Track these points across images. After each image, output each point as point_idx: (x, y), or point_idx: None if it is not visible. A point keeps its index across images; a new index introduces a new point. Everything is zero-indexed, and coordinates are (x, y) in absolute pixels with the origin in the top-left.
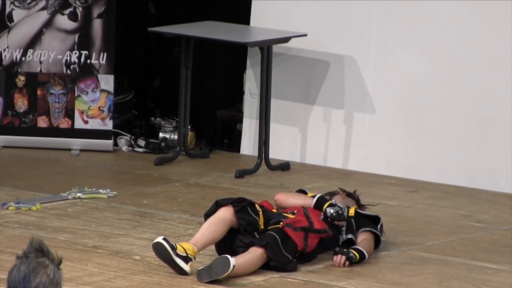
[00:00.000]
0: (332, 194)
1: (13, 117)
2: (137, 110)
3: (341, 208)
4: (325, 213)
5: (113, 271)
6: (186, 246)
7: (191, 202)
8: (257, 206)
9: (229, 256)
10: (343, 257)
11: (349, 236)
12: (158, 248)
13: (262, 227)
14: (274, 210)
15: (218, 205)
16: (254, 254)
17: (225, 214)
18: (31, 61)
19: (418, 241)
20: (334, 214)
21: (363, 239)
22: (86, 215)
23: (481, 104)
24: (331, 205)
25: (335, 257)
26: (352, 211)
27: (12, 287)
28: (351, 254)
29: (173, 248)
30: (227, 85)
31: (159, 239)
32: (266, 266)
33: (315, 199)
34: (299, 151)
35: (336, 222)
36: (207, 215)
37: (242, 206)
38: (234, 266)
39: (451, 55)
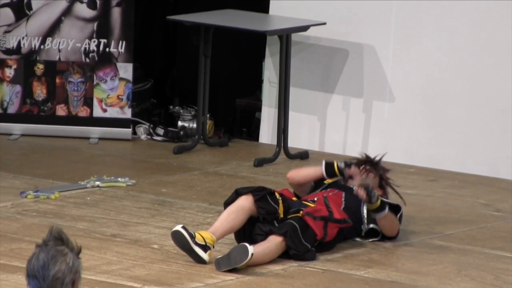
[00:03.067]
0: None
1: (32, 105)
2: (156, 98)
3: (347, 162)
4: (338, 171)
5: (132, 260)
6: (205, 235)
7: (209, 190)
8: (277, 194)
9: (247, 244)
10: (365, 192)
11: (371, 226)
12: (177, 237)
13: (281, 215)
14: (294, 199)
15: (238, 193)
16: (273, 242)
17: (245, 202)
18: (50, 50)
19: (437, 230)
20: (343, 165)
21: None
22: (104, 203)
23: (501, 93)
24: (339, 162)
25: (358, 190)
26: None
27: (31, 275)
28: (374, 193)
29: (192, 237)
30: (246, 73)
31: (178, 227)
32: (285, 255)
33: (323, 164)
34: (318, 139)
35: (347, 172)
36: (227, 204)
37: (262, 195)
38: (252, 254)
39: (471, 44)
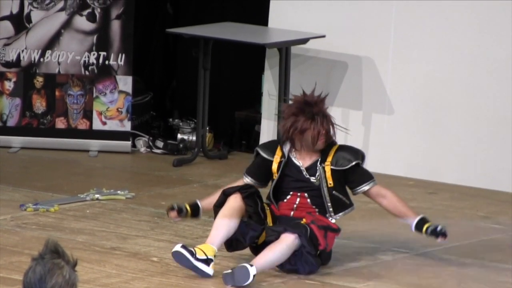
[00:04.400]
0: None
1: (31, 118)
2: (155, 111)
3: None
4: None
5: (131, 273)
6: (205, 248)
7: None
8: (265, 205)
9: (248, 266)
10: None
11: (339, 215)
12: (178, 257)
13: (270, 224)
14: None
15: (225, 194)
16: (285, 242)
17: (234, 203)
18: (50, 62)
19: (436, 242)
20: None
21: (384, 201)
22: (104, 216)
23: (500, 105)
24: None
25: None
26: (328, 176)
27: None
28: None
29: (192, 254)
30: (245, 86)
31: (178, 247)
32: (285, 268)
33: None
34: None
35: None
36: (216, 206)
37: (249, 192)
38: (254, 275)
39: (469, 55)
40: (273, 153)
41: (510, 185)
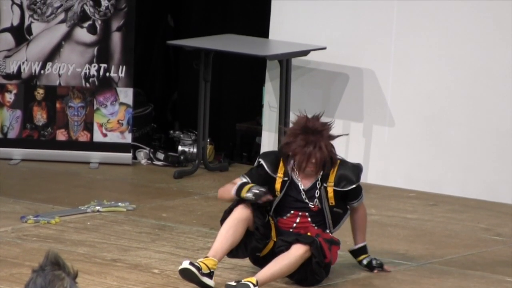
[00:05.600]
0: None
1: (32, 130)
2: (156, 123)
3: (259, 190)
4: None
5: (132, 285)
6: (208, 262)
7: (210, 215)
8: (270, 219)
9: (251, 286)
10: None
11: (336, 228)
12: (186, 273)
13: (274, 239)
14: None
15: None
16: (294, 256)
17: (242, 214)
18: (50, 74)
19: (437, 254)
20: (253, 197)
21: (353, 214)
22: (105, 228)
23: (501, 117)
24: (249, 190)
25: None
26: (331, 196)
27: None
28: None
29: (199, 269)
30: (246, 98)
31: (186, 264)
32: (293, 278)
33: (235, 188)
34: None
35: (260, 202)
36: (226, 212)
37: (259, 204)
38: None
39: (470, 68)
40: (276, 170)
41: (511, 197)
